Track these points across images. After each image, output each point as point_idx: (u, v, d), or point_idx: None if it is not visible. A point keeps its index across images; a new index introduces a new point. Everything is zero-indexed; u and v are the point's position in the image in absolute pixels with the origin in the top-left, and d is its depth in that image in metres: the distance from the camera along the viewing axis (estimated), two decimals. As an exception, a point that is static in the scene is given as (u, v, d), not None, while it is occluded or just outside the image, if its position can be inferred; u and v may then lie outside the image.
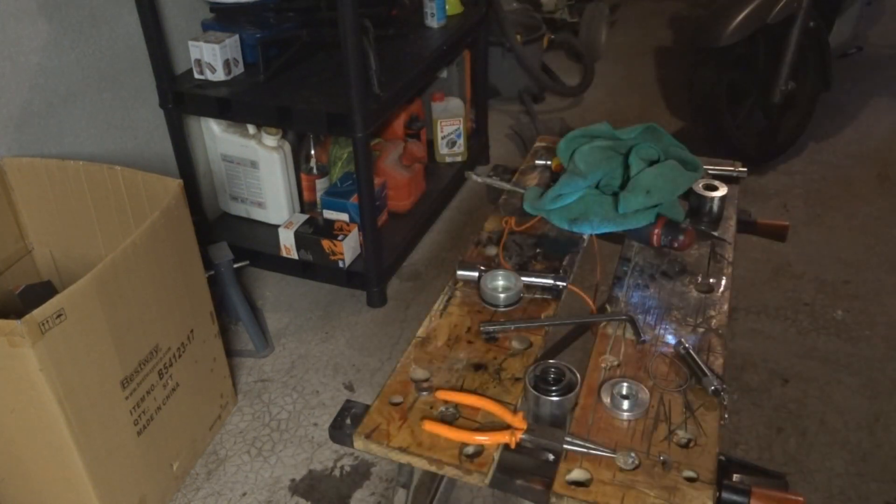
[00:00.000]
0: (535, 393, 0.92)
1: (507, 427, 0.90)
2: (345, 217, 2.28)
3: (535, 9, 3.81)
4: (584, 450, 0.87)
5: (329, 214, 2.30)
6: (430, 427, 0.90)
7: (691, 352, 1.00)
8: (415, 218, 2.51)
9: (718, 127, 2.78)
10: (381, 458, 1.75)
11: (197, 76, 2.16)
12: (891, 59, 3.78)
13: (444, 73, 2.82)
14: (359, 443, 0.91)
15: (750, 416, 1.87)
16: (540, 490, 0.86)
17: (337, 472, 1.77)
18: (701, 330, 1.06)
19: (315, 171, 2.38)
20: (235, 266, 2.10)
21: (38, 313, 1.21)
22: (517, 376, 0.99)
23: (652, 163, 1.30)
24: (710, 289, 1.15)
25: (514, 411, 0.92)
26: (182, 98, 2.15)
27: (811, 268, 2.41)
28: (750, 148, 2.92)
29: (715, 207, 1.30)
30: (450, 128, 2.72)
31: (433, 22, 2.54)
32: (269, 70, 2.17)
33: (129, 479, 1.53)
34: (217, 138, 2.33)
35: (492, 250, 1.25)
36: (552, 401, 0.92)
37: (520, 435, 0.88)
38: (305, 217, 2.28)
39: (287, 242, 2.26)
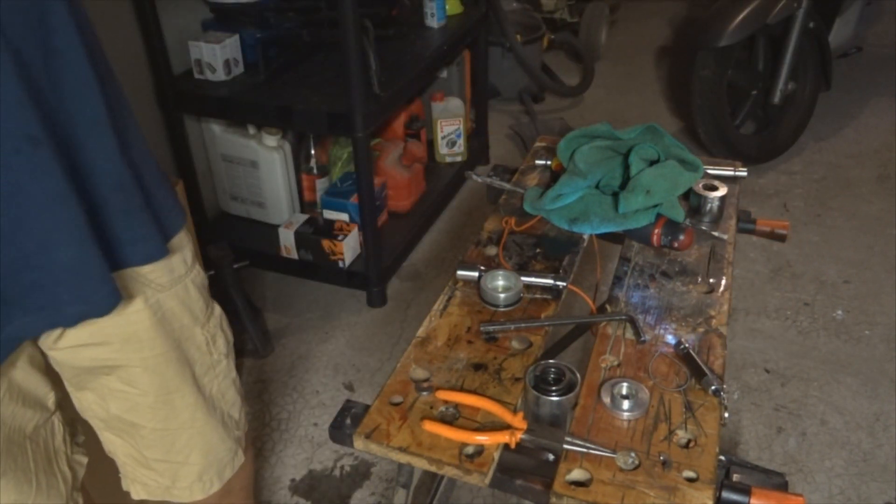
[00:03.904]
0: (535, 393, 0.92)
1: (507, 427, 0.90)
2: (345, 217, 2.28)
3: (535, 9, 3.81)
4: (584, 450, 0.87)
5: (329, 214, 2.30)
6: (430, 427, 0.90)
7: (691, 352, 1.00)
8: (415, 218, 2.51)
9: (718, 127, 2.78)
10: (381, 458, 1.75)
11: (197, 76, 2.16)
12: (890, 60, 3.79)
13: (444, 73, 2.82)
14: (359, 443, 0.91)
15: (750, 416, 1.87)
16: (540, 490, 0.86)
17: (337, 472, 1.77)
18: (701, 330, 1.06)
19: (315, 171, 2.38)
20: (235, 266, 2.10)
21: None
22: (517, 376, 0.98)
23: (652, 163, 1.30)
24: (710, 289, 1.15)
25: (514, 411, 0.92)
26: (182, 98, 2.15)
27: (811, 268, 2.41)
28: (750, 148, 2.92)
29: (715, 207, 1.30)
30: (450, 128, 2.72)
31: (433, 22, 2.54)
32: (269, 70, 2.17)
33: (129, 479, 1.52)
34: (217, 138, 2.33)
35: (492, 250, 1.25)
36: (552, 401, 0.92)
37: (520, 435, 0.88)
38: (305, 217, 2.28)
39: (287, 242, 2.26)
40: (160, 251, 0.88)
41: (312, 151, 2.37)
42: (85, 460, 1.02)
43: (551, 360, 0.97)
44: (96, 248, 0.77)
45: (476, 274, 1.16)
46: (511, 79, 3.40)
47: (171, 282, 0.91)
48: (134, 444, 1.00)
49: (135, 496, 1.07)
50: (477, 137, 2.98)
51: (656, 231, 1.23)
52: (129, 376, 0.92)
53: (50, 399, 0.93)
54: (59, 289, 0.76)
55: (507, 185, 1.42)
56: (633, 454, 0.86)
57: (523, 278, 1.14)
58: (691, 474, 0.84)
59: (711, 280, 1.17)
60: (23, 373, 0.87)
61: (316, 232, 2.23)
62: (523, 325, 1.08)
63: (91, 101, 0.76)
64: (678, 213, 1.24)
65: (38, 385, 0.91)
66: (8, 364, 0.85)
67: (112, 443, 1.02)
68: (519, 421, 0.90)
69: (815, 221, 2.64)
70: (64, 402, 0.97)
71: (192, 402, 0.99)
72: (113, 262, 0.82)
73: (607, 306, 1.13)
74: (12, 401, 0.87)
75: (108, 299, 0.79)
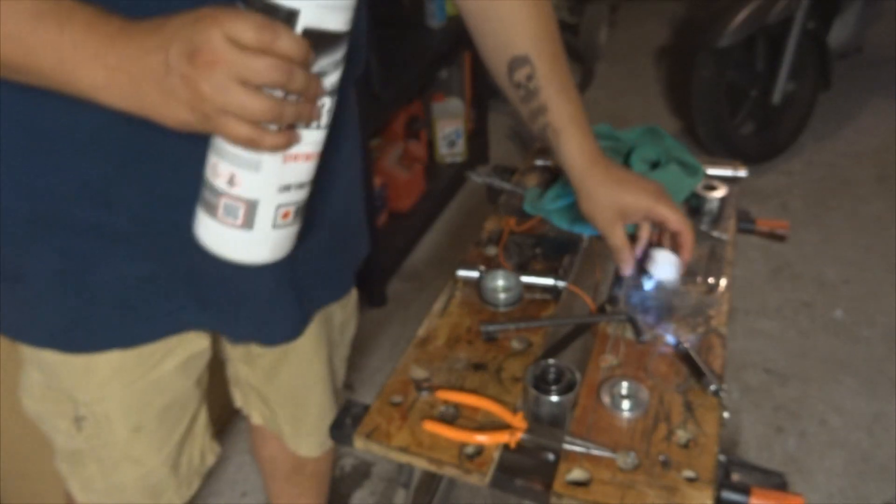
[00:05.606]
0: (535, 392, 0.92)
1: (507, 427, 0.90)
2: (345, 217, 2.27)
3: (535, 9, 3.81)
4: (584, 450, 0.87)
5: (329, 214, 2.30)
6: (431, 427, 0.90)
7: (691, 352, 1.00)
8: (415, 218, 2.51)
9: (718, 127, 2.78)
10: (381, 458, 1.75)
11: (197, 76, 2.16)
12: (890, 60, 3.79)
13: (444, 73, 2.82)
14: (359, 443, 0.91)
15: (750, 416, 1.88)
16: (540, 490, 0.86)
17: (337, 472, 1.76)
18: (701, 330, 1.07)
19: (315, 171, 2.38)
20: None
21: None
22: (517, 376, 0.99)
23: (653, 164, 1.30)
24: (710, 289, 1.15)
25: (514, 411, 0.92)
26: (182, 98, 2.15)
27: (811, 268, 2.41)
28: (750, 148, 2.92)
29: (715, 208, 1.30)
30: (450, 128, 2.72)
31: (433, 22, 2.54)
32: (269, 70, 2.17)
33: (130, 478, 1.52)
34: (217, 138, 2.32)
35: (492, 250, 1.25)
36: (552, 400, 0.92)
37: (520, 435, 0.88)
38: (305, 217, 2.28)
39: (287, 242, 2.25)
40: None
41: (312, 151, 2.36)
42: (218, 449, 1.11)
43: (551, 360, 0.97)
44: None
45: (476, 274, 1.16)
46: (511, 79, 3.39)
47: None
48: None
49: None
50: (477, 137, 2.98)
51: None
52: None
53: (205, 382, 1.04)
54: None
55: (507, 185, 1.42)
56: (632, 454, 0.87)
57: (523, 278, 1.14)
58: (691, 474, 0.84)
59: (711, 280, 1.17)
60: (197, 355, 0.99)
61: (316, 232, 2.22)
62: (523, 325, 1.08)
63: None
64: (678, 214, 1.24)
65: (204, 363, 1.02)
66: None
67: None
68: (519, 421, 0.90)
69: (814, 221, 2.64)
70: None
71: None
72: None
73: (607, 306, 1.13)
74: (183, 376, 0.97)
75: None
